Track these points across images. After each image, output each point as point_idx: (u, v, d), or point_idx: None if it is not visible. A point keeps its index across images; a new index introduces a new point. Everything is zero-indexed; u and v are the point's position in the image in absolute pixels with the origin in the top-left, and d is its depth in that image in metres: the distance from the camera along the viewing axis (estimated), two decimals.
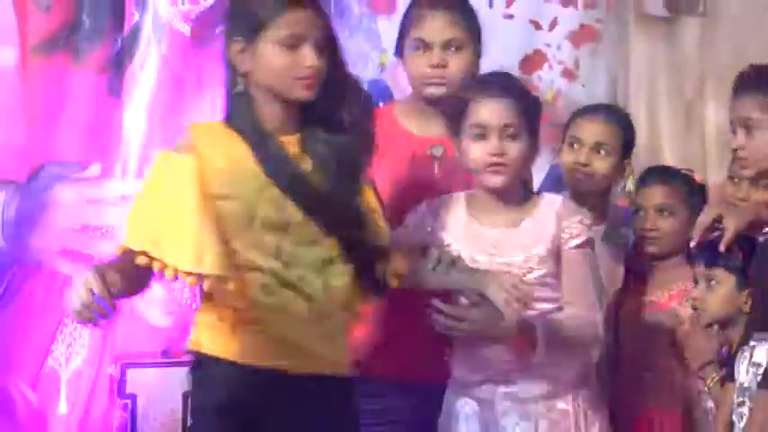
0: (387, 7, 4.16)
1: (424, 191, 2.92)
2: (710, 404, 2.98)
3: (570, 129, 3.35)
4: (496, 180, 2.79)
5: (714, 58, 4.26)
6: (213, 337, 2.47)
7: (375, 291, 2.60)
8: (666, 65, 4.29)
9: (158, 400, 3.63)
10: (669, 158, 4.09)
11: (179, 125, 3.39)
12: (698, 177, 3.29)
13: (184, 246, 2.35)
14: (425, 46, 2.94)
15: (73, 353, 3.58)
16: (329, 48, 2.52)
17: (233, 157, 2.46)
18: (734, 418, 2.74)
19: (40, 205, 3.51)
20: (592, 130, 3.26)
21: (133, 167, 3.65)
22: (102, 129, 3.65)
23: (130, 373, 3.61)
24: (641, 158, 3.69)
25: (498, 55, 3.87)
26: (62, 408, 3.58)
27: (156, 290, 2.91)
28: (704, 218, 2.97)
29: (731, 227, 2.86)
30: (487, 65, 3.49)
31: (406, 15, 3.07)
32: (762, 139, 2.79)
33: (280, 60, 2.44)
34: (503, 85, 2.88)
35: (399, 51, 3.06)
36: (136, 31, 3.89)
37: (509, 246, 2.79)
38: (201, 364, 2.48)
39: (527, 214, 2.83)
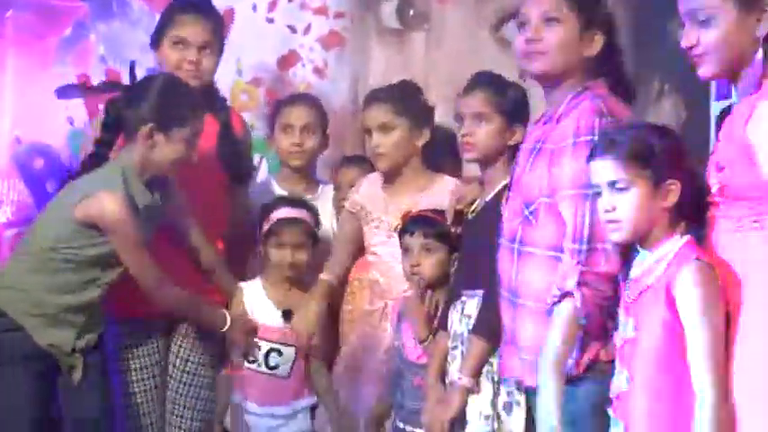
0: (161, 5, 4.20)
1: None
2: None
3: (279, 116, 3.66)
4: (381, 165, 3.38)
5: (436, 63, 4.63)
6: None
7: None
8: (399, 68, 4.57)
9: None
10: None
11: None
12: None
13: None
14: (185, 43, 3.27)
15: None
16: None
17: None
18: (448, 359, 3.01)
19: None
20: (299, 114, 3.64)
21: None
22: None
23: None
24: None
25: (260, 53, 4.49)
26: None
27: None
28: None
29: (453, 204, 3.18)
30: (250, 62, 4.00)
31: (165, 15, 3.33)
32: (487, 129, 3.04)
33: None
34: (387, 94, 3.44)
35: (155, 44, 3.33)
36: None
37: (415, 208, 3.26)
38: None
39: (426, 188, 3.38)
